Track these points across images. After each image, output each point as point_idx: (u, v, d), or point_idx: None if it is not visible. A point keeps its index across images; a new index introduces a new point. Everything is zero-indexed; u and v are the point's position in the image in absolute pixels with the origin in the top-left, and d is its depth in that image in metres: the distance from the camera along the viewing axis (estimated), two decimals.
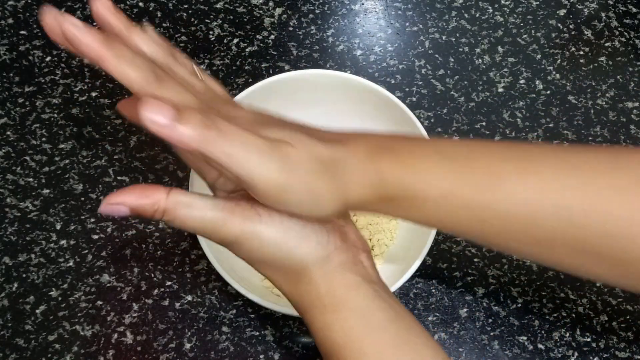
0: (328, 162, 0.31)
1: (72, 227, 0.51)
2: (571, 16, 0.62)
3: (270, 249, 0.32)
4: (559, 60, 0.59)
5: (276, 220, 0.32)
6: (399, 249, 0.49)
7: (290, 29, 0.61)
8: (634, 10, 0.62)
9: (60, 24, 0.28)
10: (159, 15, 0.61)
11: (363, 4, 0.63)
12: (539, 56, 0.60)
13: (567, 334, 0.48)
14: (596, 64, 0.59)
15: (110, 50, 0.29)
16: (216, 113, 0.31)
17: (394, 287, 0.42)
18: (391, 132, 0.35)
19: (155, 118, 0.27)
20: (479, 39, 0.60)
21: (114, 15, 0.32)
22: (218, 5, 0.62)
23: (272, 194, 0.30)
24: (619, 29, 0.61)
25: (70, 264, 0.50)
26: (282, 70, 0.59)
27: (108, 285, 0.49)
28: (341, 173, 0.32)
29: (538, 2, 0.62)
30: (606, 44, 0.60)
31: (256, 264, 0.34)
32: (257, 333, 0.48)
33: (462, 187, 0.31)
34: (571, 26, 0.61)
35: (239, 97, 0.47)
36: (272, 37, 0.60)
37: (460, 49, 0.60)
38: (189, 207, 0.30)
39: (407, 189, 0.32)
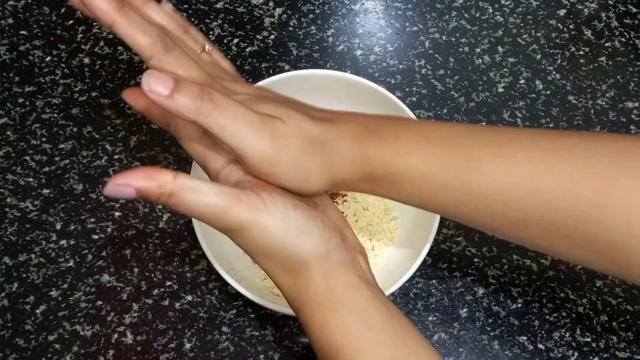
0: (317, 140, 0.33)
1: (72, 227, 0.51)
2: (571, 16, 0.62)
3: (272, 239, 0.32)
4: (559, 60, 0.59)
5: (281, 211, 0.32)
6: (399, 249, 0.49)
7: (290, 29, 0.61)
8: (634, 10, 0.62)
9: None
10: None
11: (363, 4, 0.63)
12: (539, 56, 0.60)
13: (567, 334, 0.48)
14: (596, 64, 0.59)
15: (123, 17, 0.31)
16: (217, 86, 0.34)
17: (393, 287, 0.42)
18: (380, 114, 0.37)
19: (155, 88, 0.29)
20: (479, 39, 0.60)
21: None
22: (218, 5, 0.62)
23: (262, 165, 0.32)
24: (619, 29, 0.61)
25: (70, 264, 0.50)
26: (282, 70, 0.59)
27: (108, 285, 0.49)
28: (329, 151, 0.34)
29: (538, 2, 0.62)
30: (606, 44, 0.60)
31: (256, 255, 0.33)
32: (257, 333, 0.48)
33: (439, 169, 0.33)
34: (571, 26, 0.61)
35: None
36: (272, 37, 0.60)
37: (460, 49, 0.60)
38: (195, 192, 0.30)
39: (389, 169, 0.33)
